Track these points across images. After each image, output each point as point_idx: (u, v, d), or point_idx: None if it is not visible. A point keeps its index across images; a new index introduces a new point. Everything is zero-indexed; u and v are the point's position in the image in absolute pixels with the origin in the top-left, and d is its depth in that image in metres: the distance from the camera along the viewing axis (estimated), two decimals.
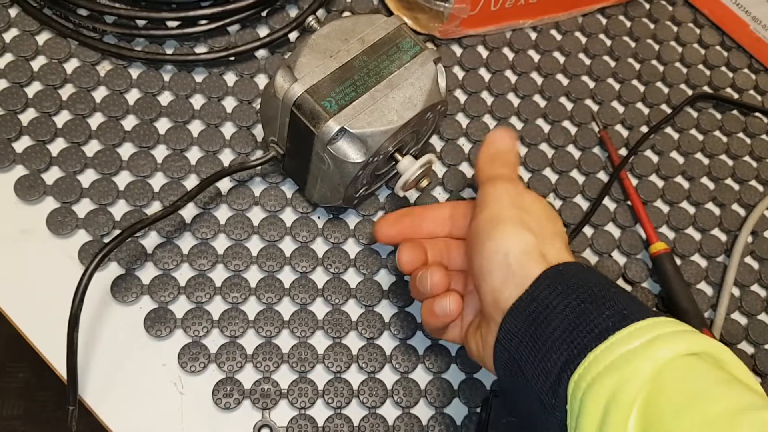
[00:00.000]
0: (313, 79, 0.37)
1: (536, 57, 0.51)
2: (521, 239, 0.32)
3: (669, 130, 0.51)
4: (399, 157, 0.39)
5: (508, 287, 0.31)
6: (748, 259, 0.47)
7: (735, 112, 0.52)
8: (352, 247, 0.42)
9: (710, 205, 0.48)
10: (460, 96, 0.49)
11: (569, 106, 0.50)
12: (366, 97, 0.37)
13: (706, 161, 0.50)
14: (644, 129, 0.50)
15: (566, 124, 0.49)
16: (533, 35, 0.52)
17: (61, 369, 0.37)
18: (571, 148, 0.48)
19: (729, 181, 0.49)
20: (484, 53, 0.50)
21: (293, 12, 0.48)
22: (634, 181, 0.48)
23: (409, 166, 0.38)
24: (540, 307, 0.30)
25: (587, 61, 0.52)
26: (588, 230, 0.46)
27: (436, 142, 0.47)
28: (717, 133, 0.51)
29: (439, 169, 0.46)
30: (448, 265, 0.39)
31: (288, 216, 0.42)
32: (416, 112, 0.37)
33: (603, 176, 0.48)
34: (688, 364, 0.27)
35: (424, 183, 0.39)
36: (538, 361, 0.29)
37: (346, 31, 0.39)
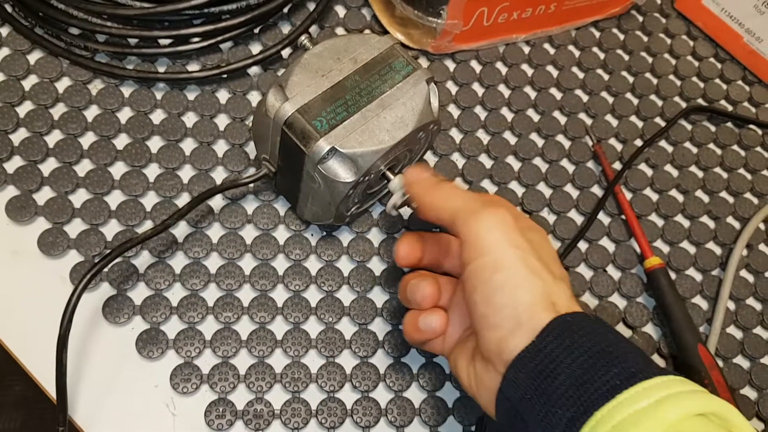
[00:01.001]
0: (305, 99, 0.37)
1: (529, 71, 0.51)
2: (531, 289, 0.30)
3: (663, 143, 0.51)
4: (391, 175, 0.39)
5: (515, 337, 0.30)
6: (744, 273, 0.47)
7: (729, 124, 0.52)
8: (345, 265, 0.42)
9: (705, 219, 0.48)
10: (454, 111, 0.49)
11: (563, 120, 0.50)
12: (357, 116, 0.37)
13: (700, 174, 0.50)
14: (638, 142, 0.50)
15: (560, 138, 0.49)
16: (526, 49, 0.52)
17: (51, 390, 0.37)
18: (565, 163, 0.48)
19: (724, 194, 0.49)
20: (478, 68, 0.50)
21: (286, 29, 0.48)
22: (629, 195, 0.48)
23: (400, 186, 0.38)
24: (546, 360, 0.29)
25: (581, 75, 0.52)
26: (582, 245, 0.45)
27: (429, 157, 0.47)
28: (711, 145, 0.51)
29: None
30: (444, 264, 0.38)
31: (281, 234, 0.42)
32: (408, 133, 0.37)
33: (597, 190, 0.48)
34: (696, 425, 0.26)
35: (416, 203, 0.39)
36: (543, 415, 0.28)
37: (338, 51, 0.39)
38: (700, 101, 0.53)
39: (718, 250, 0.47)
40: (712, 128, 0.52)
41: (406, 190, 0.37)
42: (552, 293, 0.31)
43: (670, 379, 0.27)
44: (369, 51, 0.39)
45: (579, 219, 0.46)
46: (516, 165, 0.47)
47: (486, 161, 0.47)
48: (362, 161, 0.37)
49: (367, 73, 0.38)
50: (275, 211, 0.43)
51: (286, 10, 0.49)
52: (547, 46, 0.52)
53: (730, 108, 0.53)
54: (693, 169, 0.50)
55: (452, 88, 0.49)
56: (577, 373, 0.28)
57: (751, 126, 0.53)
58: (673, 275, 0.45)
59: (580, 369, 0.28)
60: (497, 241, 0.31)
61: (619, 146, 0.50)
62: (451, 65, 0.50)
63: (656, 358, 0.43)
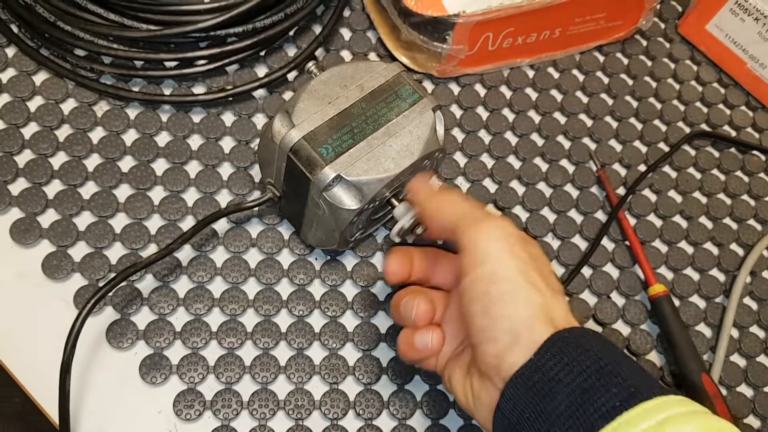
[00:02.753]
0: (311, 126, 0.37)
1: (534, 95, 0.51)
2: (530, 302, 0.30)
3: (667, 168, 0.51)
4: (395, 202, 0.39)
5: (513, 353, 0.30)
6: (747, 300, 0.47)
7: (733, 149, 0.52)
8: (349, 290, 0.42)
9: (709, 245, 0.48)
10: (458, 135, 0.49)
11: (567, 144, 0.50)
12: (363, 144, 0.37)
13: (704, 200, 0.50)
14: (642, 168, 0.50)
15: (564, 162, 0.49)
16: (531, 73, 0.52)
17: (53, 414, 0.36)
18: (569, 188, 0.48)
19: (727, 221, 0.49)
20: (482, 92, 0.50)
21: (292, 52, 0.48)
22: (633, 221, 0.48)
23: (404, 213, 0.38)
24: (545, 378, 0.29)
25: (585, 99, 0.52)
26: (586, 271, 0.45)
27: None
28: (715, 171, 0.51)
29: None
30: (433, 278, 0.38)
31: (285, 258, 0.42)
32: (413, 161, 0.37)
33: (601, 216, 0.48)
34: None
35: (420, 230, 0.39)
36: None
37: (345, 78, 0.39)
38: (704, 126, 0.53)
39: (721, 277, 0.47)
40: (716, 154, 0.52)
41: (409, 197, 0.36)
42: (551, 307, 0.30)
43: (670, 399, 0.27)
44: (375, 78, 0.39)
45: (583, 244, 0.46)
46: (520, 189, 0.48)
47: (490, 185, 0.47)
48: (367, 189, 0.37)
49: (373, 100, 0.38)
50: (279, 235, 0.43)
51: (291, 33, 0.49)
52: (551, 70, 0.53)
53: (733, 133, 0.53)
54: (696, 194, 0.50)
55: (457, 111, 0.50)
56: (577, 392, 0.28)
57: (755, 152, 0.53)
58: (676, 302, 0.45)
59: (580, 388, 0.28)
60: (498, 252, 0.31)
61: (623, 171, 0.50)
62: (455, 89, 0.50)
63: None
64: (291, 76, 0.47)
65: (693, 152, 0.52)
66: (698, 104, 0.54)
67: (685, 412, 0.27)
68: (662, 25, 0.57)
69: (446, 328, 0.36)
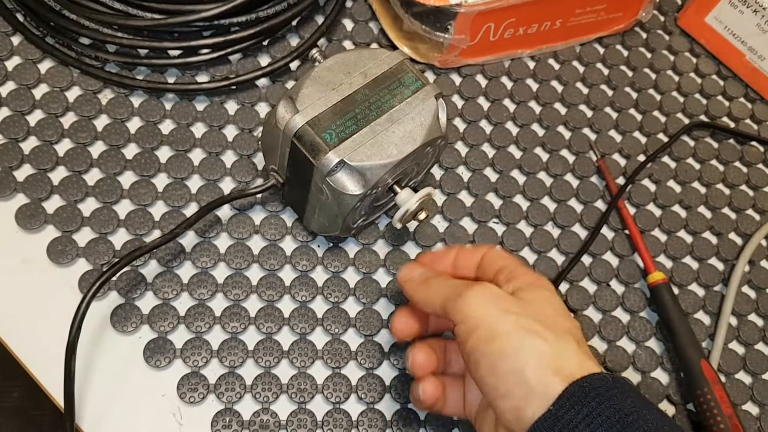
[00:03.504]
0: (315, 111, 0.37)
1: (534, 86, 0.52)
2: (535, 350, 0.30)
3: (666, 158, 0.51)
4: (398, 189, 0.39)
5: (531, 405, 0.29)
6: (746, 288, 0.47)
7: (731, 140, 0.53)
8: (351, 276, 0.43)
9: (707, 234, 0.49)
10: (459, 124, 0.49)
11: (567, 134, 0.50)
12: (366, 130, 0.37)
13: (703, 190, 0.50)
14: (641, 158, 0.50)
15: (564, 153, 0.50)
16: (531, 64, 0.52)
17: (58, 398, 0.37)
18: (569, 177, 0.49)
19: (726, 210, 0.50)
20: (483, 82, 0.51)
21: (294, 41, 0.49)
22: (632, 210, 0.48)
23: (407, 199, 0.39)
24: (566, 430, 0.28)
25: (585, 90, 0.52)
26: (586, 259, 0.46)
27: (435, 170, 0.47)
28: (713, 161, 0.52)
29: (439, 198, 0.46)
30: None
31: (288, 244, 0.43)
32: (416, 147, 0.38)
33: (601, 205, 0.48)
34: None
35: (423, 215, 0.40)
36: None
37: (349, 65, 0.39)
38: (703, 118, 0.53)
39: (720, 266, 0.48)
40: (715, 144, 0.52)
41: (401, 285, 0.37)
42: (558, 353, 0.30)
43: None
44: (379, 65, 0.39)
45: (583, 233, 0.47)
46: (521, 179, 0.48)
47: (491, 175, 0.48)
48: (370, 174, 0.37)
49: (376, 87, 0.39)
50: (282, 221, 0.43)
51: (294, 23, 0.49)
52: (551, 61, 0.53)
53: (732, 125, 0.54)
54: (695, 184, 0.50)
55: (458, 102, 0.50)
56: None
57: (753, 143, 0.53)
58: (675, 290, 0.46)
59: None
60: (487, 311, 0.31)
61: (622, 161, 0.50)
62: (457, 79, 0.51)
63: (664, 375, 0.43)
64: (294, 65, 0.48)
65: (692, 143, 0.52)
66: (697, 96, 0.54)
67: None
68: (662, 18, 0.57)
69: (468, 382, 0.36)
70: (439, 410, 0.36)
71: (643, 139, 0.51)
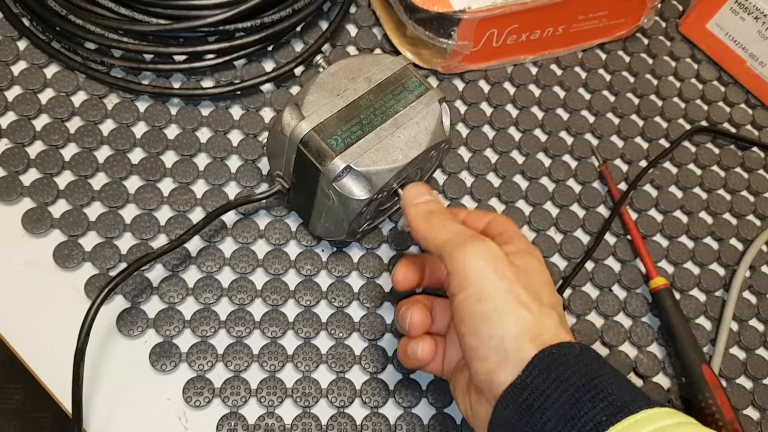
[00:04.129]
0: (321, 117, 0.38)
1: (537, 92, 0.52)
2: (518, 319, 0.30)
3: (668, 164, 0.51)
4: (402, 193, 0.40)
5: (504, 370, 0.30)
6: (747, 294, 0.48)
7: (732, 146, 0.53)
8: (355, 281, 0.43)
9: (709, 240, 0.49)
10: (462, 130, 0.49)
11: (569, 140, 0.50)
12: (372, 135, 0.38)
13: (704, 196, 0.51)
14: (643, 163, 0.51)
15: (567, 158, 0.50)
16: (534, 70, 0.53)
17: (66, 402, 0.37)
18: (571, 182, 0.49)
19: (727, 216, 0.50)
20: (486, 88, 0.51)
21: (299, 47, 0.49)
22: (634, 216, 0.49)
23: None
24: (534, 394, 0.29)
25: (587, 96, 0.53)
26: (589, 264, 0.46)
27: (438, 175, 0.47)
28: (715, 167, 0.52)
29: (442, 202, 0.46)
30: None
31: (292, 249, 0.43)
32: (421, 151, 0.38)
33: (603, 210, 0.48)
34: None
35: None
36: None
37: (353, 70, 0.40)
38: (704, 123, 0.54)
39: (721, 271, 0.48)
40: (716, 150, 0.53)
41: (402, 207, 0.37)
42: (539, 324, 0.31)
43: (658, 412, 0.27)
44: (383, 71, 0.40)
45: (585, 238, 0.47)
46: (524, 184, 0.48)
47: (494, 180, 0.48)
48: (376, 179, 0.37)
49: (381, 92, 0.39)
50: (287, 226, 0.43)
51: (299, 29, 0.49)
52: (554, 67, 0.53)
53: (733, 130, 0.54)
54: (697, 190, 0.51)
55: (461, 107, 0.50)
56: (565, 407, 0.28)
57: (754, 148, 0.53)
58: (677, 295, 0.46)
59: (567, 404, 0.28)
60: (483, 272, 0.31)
61: (624, 167, 0.50)
62: (460, 85, 0.51)
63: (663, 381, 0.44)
64: (298, 71, 0.48)
65: (693, 148, 0.52)
66: (698, 101, 0.54)
67: (672, 424, 0.27)
68: (663, 24, 0.57)
69: (453, 336, 0.37)
70: (423, 368, 0.37)
71: (645, 145, 0.52)
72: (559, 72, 0.53)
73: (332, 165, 0.36)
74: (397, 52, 0.50)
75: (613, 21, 0.53)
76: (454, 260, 0.32)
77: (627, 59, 0.55)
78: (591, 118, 0.52)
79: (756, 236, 0.49)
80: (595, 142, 0.51)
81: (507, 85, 0.52)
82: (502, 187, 0.48)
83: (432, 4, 0.45)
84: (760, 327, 0.47)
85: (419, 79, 0.40)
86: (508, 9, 0.46)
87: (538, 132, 0.50)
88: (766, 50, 0.53)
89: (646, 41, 0.56)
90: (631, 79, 0.54)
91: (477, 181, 0.48)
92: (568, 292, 0.45)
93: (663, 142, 0.52)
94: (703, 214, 0.50)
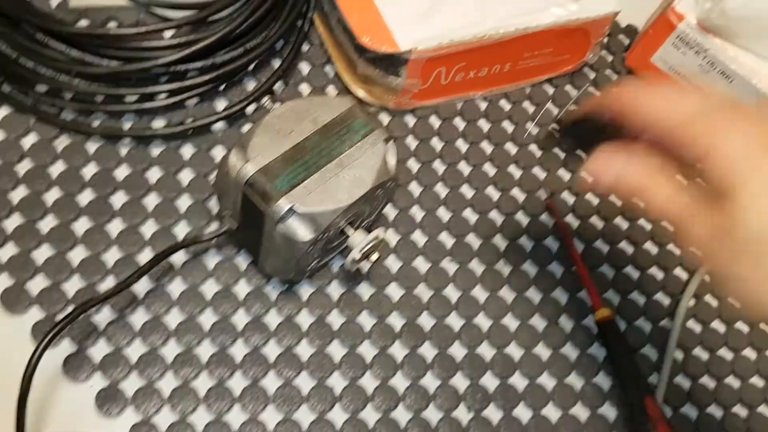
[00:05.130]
0: (266, 159, 0.38)
1: (486, 126, 0.53)
2: None
3: (613, 196, 0.53)
4: (350, 231, 0.40)
5: None
6: (691, 323, 0.49)
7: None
8: (305, 319, 0.43)
9: (654, 270, 0.50)
10: (413, 165, 0.50)
11: (518, 173, 0.52)
12: (316, 176, 0.38)
13: (649, 226, 0.52)
14: (590, 196, 0.52)
15: (515, 191, 0.51)
16: (483, 105, 0.54)
17: None
18: (520, 216, 0.50)
19: (671, 246, 0.52)
20: (437, 123, 0.52)
21: (251, 85, 0.50)
22: (580, 247, 0.50)
23: (359, 241, 0.40)
24: None
25: (535, 131, 0.54)
26: (535, 296, 0.47)
27: (390, 211, 0.48)
28: None
29: (393, 238, 0.47)
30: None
31: (242, 288, 0.43)
32: (365, 191, 0.39)
33: (551, 243, 0.49)
34: None
35: (375, 256, 0.41)
36: None
37: (299, 112, 0.40)
38: None
39: (666, 300, 0.49)
40: None
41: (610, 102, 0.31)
42: None
43: None
44: (329, 112, 0.40)
45: (533, 271, 0.48)
46: (473, 218, 0.49)
47: (444, 214, 0.49)
48: (321, 219, 0.38)
49: (327, 133, 0.40)
50: (236, 266, 0.43)
51: (251, 67, 0.50)
52: (503, 102, 0.55)
53: None
54: (642, 222, 0.52)
55: (412, 143, 0.51)
56: None
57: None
58: (623, 325, 0.47)
59: None
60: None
61: (571, 199, 0.52)
62: (411, 121, 0.52)
63: None
64: (249, 109, 0.49)
65: None
66: None
67: None
68: (610, 58, 0.59)
69: None
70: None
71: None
72: (508, 107, 0.55)
73: (276, 206, 0.37)
74: (349, 90, 0.51)
75: (559, 57, 0.54)
76: (750, 192, 0.25)
77: (574, 93, 0.57)
78: (538, 152, 0.53)
79: (700, 265, 0.51)
80: (542, 175, 0.52)
81: (457, 120, 0.53)
82: (451, 221, 0.49)
83: (379, 44, 0.47)
84: (705, 355, 0.48)
85: (365, 119, 0.41)
86: (454, 49, 0.48)
87: (487, 166, 0.51)
88: (708, 82, 0.55)
89: (593, 75, 0.58)
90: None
91: (427, 216, 0.48)
92: (515, 322, 0.46)
93: None
94: (648, 245, 0.51)
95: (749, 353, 0.49)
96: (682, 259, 0.51)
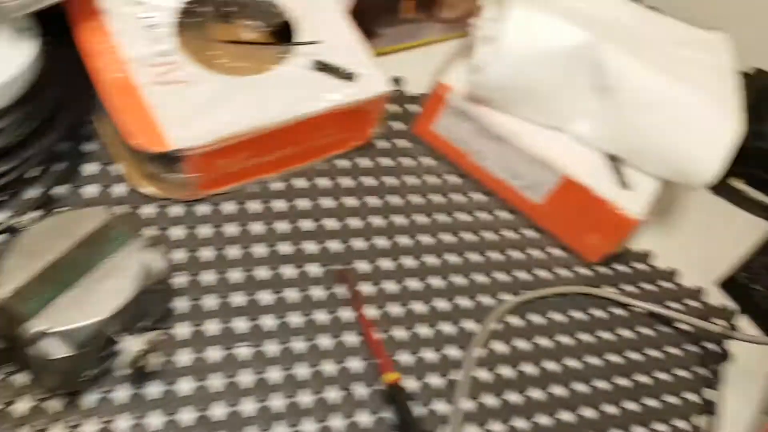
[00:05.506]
0: (17, 283, 0.39)
1: (284, 205, 0.55)
2: None
3: (411, 259, 0.56)
4: (120, 338, 0.41)
5: None
6: (482, 372, 0.52)
7: (469, 234, 0.59)
8: (91, 428, 0.43)
9: (445, 325, 0.54)
10: (209, 253, 0.52)
11: (317, 248, 0.54)
12: (73, 292, 0.39)
13: (443, 284, 0.56)
14: (386, 262, 0.55)
15: (312, 267, 0.53)
16: (280, 185, 0.56)
17: None
18: (317, 290, 0.52)
19: (461, 299, 0.55)
20: (233, 208, 0.54)
21: (31, 193, 0.50)
22: (376, 312, 0.52)
23: (128, 347, 0.41)
24: None
25: (333, 204, 0.57)
26: (331, 367, 0.49)
27: (183, 303, 0.49)
28: (447, 255, 0.57)
29: (186, 331, 0.48)
30: None
31: (24, 406, 0.43)
32: (127, 300, 0.40)
33: (346, 312, 0.52)
34: None
35: (152, 359, 0.41)
36: None
37: (55, 229, 0.41)
38: (443, 216, 0.59)
39: (456, 353, 0.53)
40: (455, 240, 0.58)
41: None
42: None
43: None
44: (85, 226, 0.42)
45: (329, 342, 0.50)
46: (271, 298, 0.51)
47: (240, 299, 0.50)
48: (78, 335, 0.39)
49: (84, 248, 0.41)
50: (11, 384, 0.43)
51: (29, 175, 0.50)
52: (301, 180, 0.57)
53: (467, 217, 0.60)
54: (435, 280, 0.56)
55: (209, 231, 0.53)
56: None
57: (488, 233, 0.60)
58: (416, 384, 0.50)
59: None
60: None
61: (368, 266, 0.55)
62: (208, 209, 0.54)
63: None
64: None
65: (435, 242, 0.58)
66: (438, 197, 0.60)
67: None
68: (400, 126, 0.63)
69: None
70: None
71: (389, 244, 0.56)
72: (305, 185, 0.57)
73: (26, 329, 0.37)
74: (138, 188, 0.52)
75: (346, 134, 0.58)
76: None
77: (369, 164, 0.60)
78: (337, 225, 0.56)
79: (489, 315, 0.55)
80: (341, 246, 0.55)
81: (253, 203, 0.55)
82: (249, 305, 0.50)
83: (150, 145, 0.48)
84: (496, 402, 0.51)
85: (123, 228, 0.42)
86: (231, 141, 0.50)
87: (284, 245, 0.54)
88: (483, 146, 0.60)
89: (387, 145, 0.62)
90: (375, 183, 0.59)
91: (223, 304, 0.50)
92: (310, 398, 0.48)
93: (405, 239, 0.57)
94: (438, 301, 0.55)
95: (539, 395, 0.53)
96: (471, 311, 0.55)
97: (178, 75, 0.51)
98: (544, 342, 0.56)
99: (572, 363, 0.55)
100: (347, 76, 0.54)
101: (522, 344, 0.55)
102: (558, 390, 0.53)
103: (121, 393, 0.45)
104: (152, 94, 0.50)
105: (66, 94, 0.52)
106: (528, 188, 0.60)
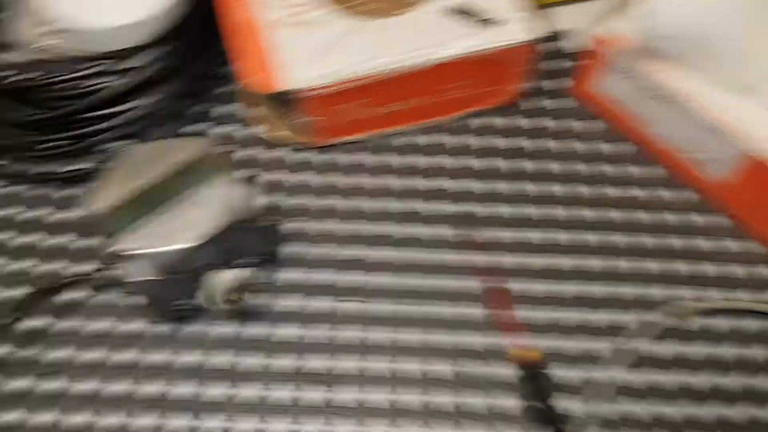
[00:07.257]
0: (112, 202, 0.38)
1: (397, 161, 0.52)
2: None
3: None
4: (209, 271, 0.41)
5: None
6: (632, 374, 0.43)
7: None
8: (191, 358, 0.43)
9: (593, 314, 0.45)
10: (314, 202, 0.50)
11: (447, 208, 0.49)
12: (162, 218, 0.39)
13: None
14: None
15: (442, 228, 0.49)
16: (399, 141, 0.52)
17: None
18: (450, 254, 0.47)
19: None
20: (344, 159, 0.52)
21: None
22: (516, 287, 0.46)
23: (217, 283, 0.40)
24: None
25: (481, 165, 0.51)
26: (441, 338, 0.44)
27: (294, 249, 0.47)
28: None
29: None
30: None
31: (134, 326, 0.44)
32: (215, 232, 0.39)
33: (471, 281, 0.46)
34: None
35: (246, 298, 0.41)
36: None
37: (153, 155, 0.40)
38: (609, 188, 0.51)
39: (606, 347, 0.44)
40: None
41: None
42: None
43: None
44: (181, 155, 0.40)
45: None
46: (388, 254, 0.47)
47: (355, 252, 0.47)
48: (164, 260, 0.38)
49: (177, 176, 0.40)
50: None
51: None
52: (421, 137, 0.52)
53: None
54: None
55: (325, 179, 0.50)
56: None
57: None
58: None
59: None
60: None
61: (511, 238, 0.48)
62: (327, 157, 0.51)
63: None
64: None
65: None
66: (595, 167, 0.52)
67: None
68: (556, 86, 0.55)
69: None
70: None
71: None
72: (424, 141, 0.52)
73: (115, 249, 0.38)
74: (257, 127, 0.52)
75: (480, 90, 0.52)
76: None
77: (511, 123, 0.53)
78: (482, 186, 0.51)
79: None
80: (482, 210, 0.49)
81: (365, 156, 0.52)
82: (362, 262, 0.47)
83: (260, 85, 0.47)
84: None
85: (218, 161, 0.41)
86: (351, 84, 0.47)
87: (401, 203, 0.50)
88: (650, 110, 0.50)
89: (531, 106, 0.54)
90: (510, 144, 0.52)
91: (336, 253, 0.47)
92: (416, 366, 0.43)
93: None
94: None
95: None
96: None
97: (309, 16, 0.50)
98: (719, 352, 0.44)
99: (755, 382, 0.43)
100: (485, 22, 0.48)
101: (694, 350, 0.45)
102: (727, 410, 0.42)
103: (224, 329, 0.44)
104: (278, 35, 0.48)
105: (205, 36, 0.53)
106: (709, 163, 0.49)
